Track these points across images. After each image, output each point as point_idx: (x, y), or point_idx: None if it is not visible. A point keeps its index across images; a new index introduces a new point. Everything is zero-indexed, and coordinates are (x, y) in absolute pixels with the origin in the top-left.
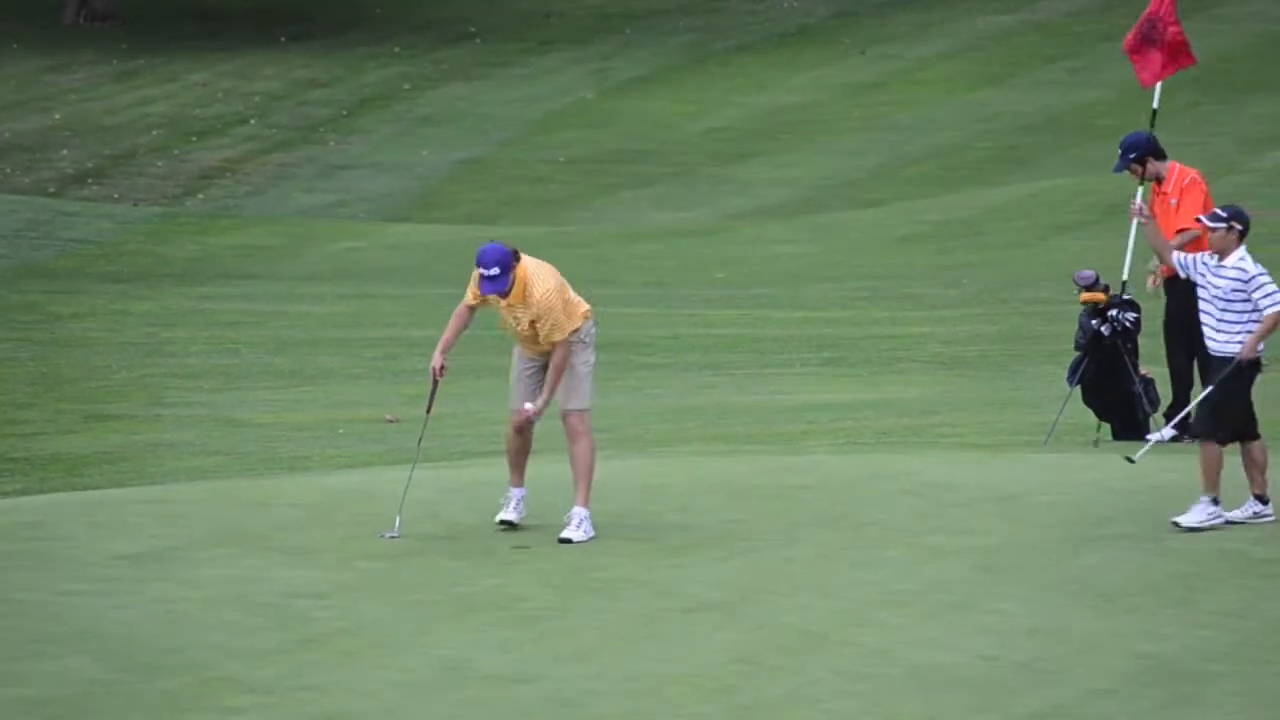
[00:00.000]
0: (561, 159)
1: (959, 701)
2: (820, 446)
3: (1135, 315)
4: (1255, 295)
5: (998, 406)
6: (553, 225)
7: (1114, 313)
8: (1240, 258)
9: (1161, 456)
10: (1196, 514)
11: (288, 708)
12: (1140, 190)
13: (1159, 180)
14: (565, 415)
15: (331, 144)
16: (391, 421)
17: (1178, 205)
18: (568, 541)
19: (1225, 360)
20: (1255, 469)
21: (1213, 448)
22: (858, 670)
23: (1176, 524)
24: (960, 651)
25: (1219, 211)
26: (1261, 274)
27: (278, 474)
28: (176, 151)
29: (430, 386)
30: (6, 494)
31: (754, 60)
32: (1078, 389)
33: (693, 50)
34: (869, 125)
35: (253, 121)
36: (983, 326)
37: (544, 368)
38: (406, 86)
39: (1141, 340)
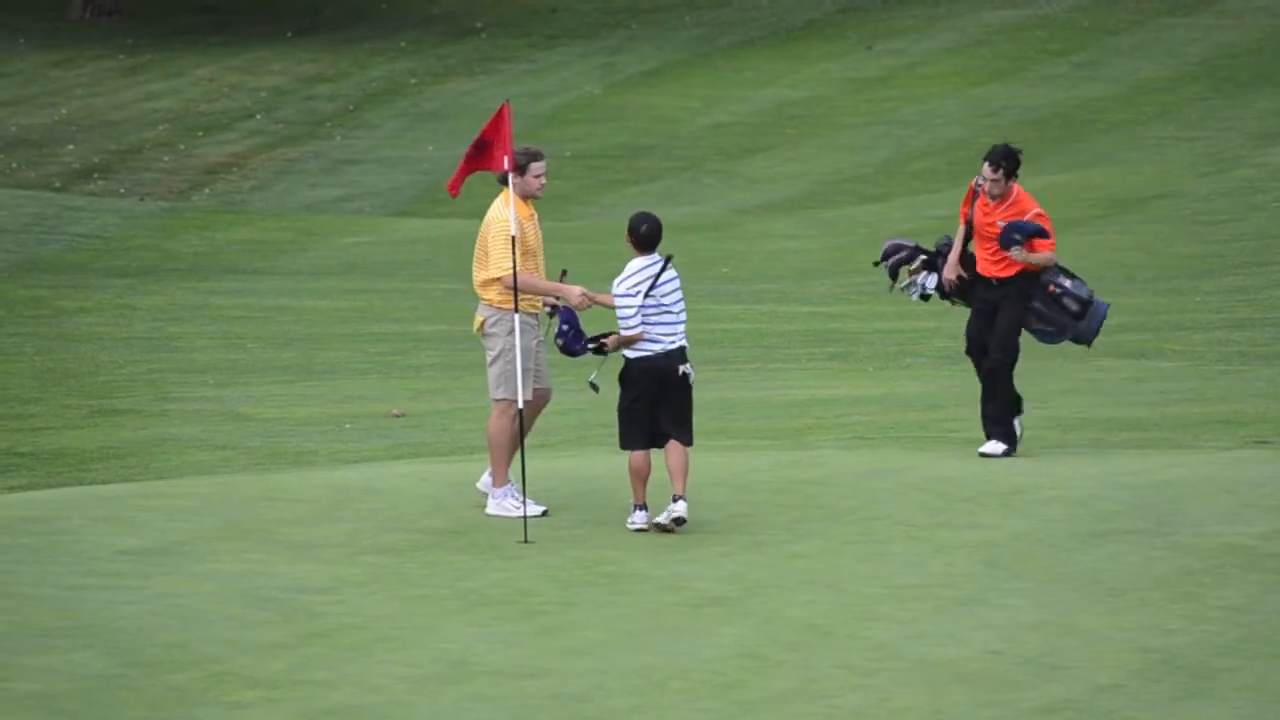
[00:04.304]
0: (568, 154)
1: (965, 696)
2: (826, 441)
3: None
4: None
5: None
6: (559, 220)
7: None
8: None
9: (1169, 452)
10: (635, 518)
11: (294, 702)
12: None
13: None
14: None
15: (337, 139)
16: (398, 416)
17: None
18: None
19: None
20: (639, 479)
21: (637, 456)
22: (864, 665)
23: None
24: (966, 646)
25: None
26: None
27: (284, 469)
28: (183, 146)
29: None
30: (13, 488)
31: (760, 55)
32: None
33: (699, 45)
34: (875, 120)
35: (259, 116)
36: None
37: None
38: (413, 81)
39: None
